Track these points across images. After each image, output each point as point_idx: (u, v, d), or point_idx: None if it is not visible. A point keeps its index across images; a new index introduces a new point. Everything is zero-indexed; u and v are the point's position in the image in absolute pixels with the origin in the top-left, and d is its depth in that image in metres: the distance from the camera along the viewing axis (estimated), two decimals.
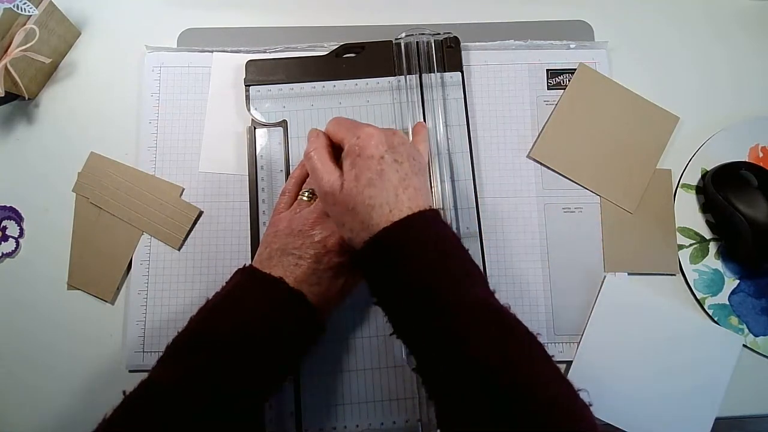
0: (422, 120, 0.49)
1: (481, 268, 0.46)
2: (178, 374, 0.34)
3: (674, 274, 0.48)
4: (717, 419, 0.45)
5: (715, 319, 0.47)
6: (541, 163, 0.50)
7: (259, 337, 0.35)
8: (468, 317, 0.31)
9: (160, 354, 0.36)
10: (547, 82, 0.51)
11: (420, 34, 0.50)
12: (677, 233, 0.49)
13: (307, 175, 0.44)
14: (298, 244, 0.39)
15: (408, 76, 0.50)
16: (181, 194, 0.49)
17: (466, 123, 0.49)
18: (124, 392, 0.34)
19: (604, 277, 0.48)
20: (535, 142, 0.50)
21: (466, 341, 0.30)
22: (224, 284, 0.39)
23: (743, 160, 0.50)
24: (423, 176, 0.37)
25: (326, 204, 0.37)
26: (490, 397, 0.28)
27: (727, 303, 0.48)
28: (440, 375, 0.31)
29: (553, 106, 0.51)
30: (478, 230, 0.47)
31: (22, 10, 0.45)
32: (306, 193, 0.42)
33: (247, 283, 0.38)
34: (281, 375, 0.37)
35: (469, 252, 0.35)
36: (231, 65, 0.51)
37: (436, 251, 0.33)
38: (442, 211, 0.35)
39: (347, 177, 0.35)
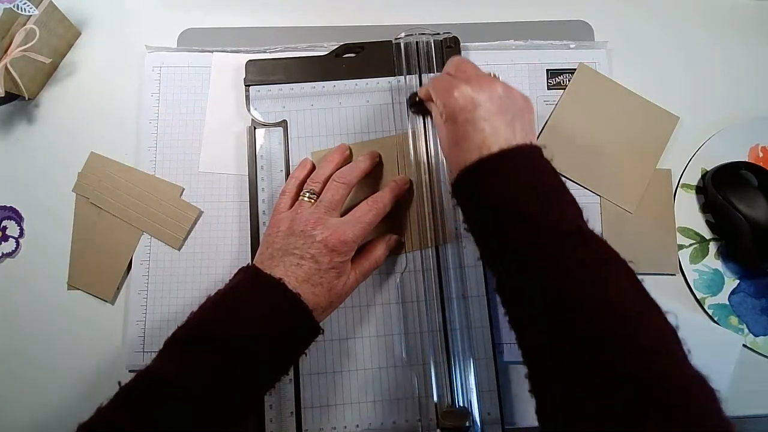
0: (423, 121, 0.49)
1: (481, 268, 0.46)
2: (176, 368, 0.34)
3: (674, 274, 0.48)
4: None
5: (715, 319, 0.47)
6: None
7: (256, 337, 0.35)
8: (566, 239, 0.32)
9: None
10: (547, 82, 0.51)
11: (420, 33, 0.50)
12: (677, 233, 0.49)
13: (308, 176, 0.44)
14: (299, 245, 0.39)
15: (408, 76, 0.50)
16: (181, 194, 0.49)
17: None
18: (119, 383, 0.34)
19: None
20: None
21: (564, 257, 0.31)
22: (227, 282, 0.39)
23: (743, 160, 0.50)
24: (528, 115, 0.38)
25: (451, 119, 0.37)
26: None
27: (727, 303, 0.48)
28: (540, 308, 0.31)
29: (553, 106, 0.51)
30: None
31: (22, 10, 0.45)
32: (307, 194, 0.42)
33: (248, 284, 0.38)
34: (277, 374, 0.38)
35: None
36: (231, 65, 0.51)
37: (535, 181, 0.34)
38: (544, 149, 0.37)
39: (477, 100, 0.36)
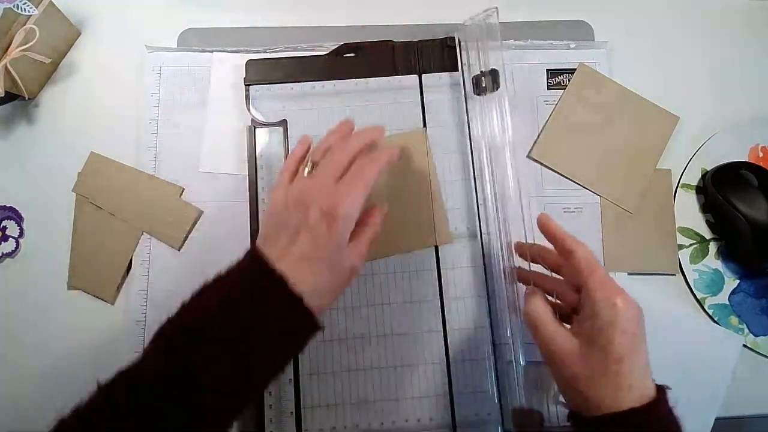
0: (423, 121, 0.49)
1: (482, 268, 0.46)
2: (158, 365, 0.32)
3: (674, 274, 0.48)
4: (717, 419, 0.45)
5: (715, 319, 0.47)
6: (541, 163, 0.50)
7: (249, 333, 0.33)
8: None
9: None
10: (547, 82, 0.51)
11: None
12: (677, 233, 0.49)
13: (306, 153, 0.40)
14: (294, 218, 0.35)
15: (408, 76, 0.50)
16: (181, 194, 0.49)
17: (466, 123, 0.49)
18: (98, 381, 0.32)
19: None
20: (535, 142, 0.50)
21: None
22: (230, 265, 0.36)
23: (743, 160, 0.50)
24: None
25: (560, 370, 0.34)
26: None
27: (727, 303, 0.48)
28: None
29: (553, 106, 0.51)
30: (478, 230, 0.47)
31: (22, 10, 0.45)
32: (306, 167, 0.38)
33: (247, 275, 0.35)
34: (273, 373, 0.35)
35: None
36: (231, 65, 0.51)
37: None
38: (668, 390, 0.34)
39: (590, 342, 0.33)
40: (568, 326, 0.36)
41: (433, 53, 0.51)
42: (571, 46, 0.52)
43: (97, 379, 0.32)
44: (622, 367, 0.32)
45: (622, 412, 0.31)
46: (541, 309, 0.36)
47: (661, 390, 0.33)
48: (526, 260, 0.41)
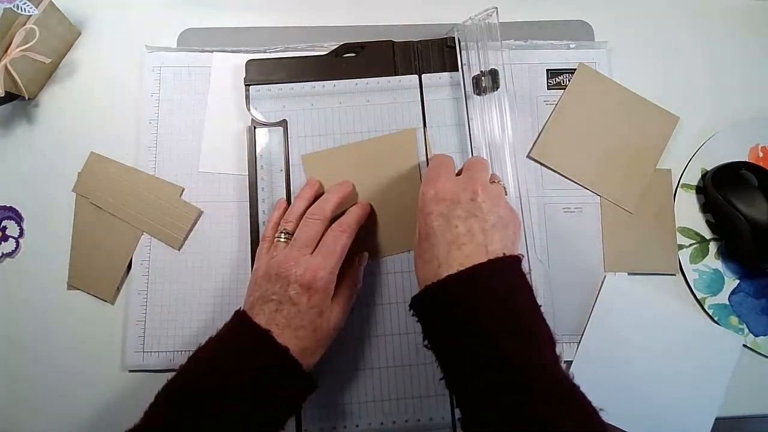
0: (423, 121, 0.49)
1: None
2: (158, 424, 0.33)
3: (674, 274, 0.48)
4: (717, 419, 0.45)
5: (715, 319, 0.47)
6: (541, 163, 0.50)
7: (244, 392, 0.34)
8: (533, 386, 0.30)
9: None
10: (547, 82, 0.51)
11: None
12: (677, 233, 0.49)
13: (282, 217, 0.44)
14: (276, 289, 0.38)
15: (408, 76, 0.50)
16: (181, 194, 0.49)
17: (467, 123, 0.49)
18: None
19: (604, 277, 0.48)
20: (535, 142, 0.50)
21: (527, 409, 0.29)
22: (220, 329, 0.39)
23: (743, 160, 0.50)
24: (504, 228, 0.36)
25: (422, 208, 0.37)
26: None
27: (727, 303, 0.48)
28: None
29: (553, 106, 0.51)
30: None
31: (22, 10, 0.45)
32: (282, 235, 0.42)
33: (236, 333, 0.38)
34: (271, 428, 0.36)
35: None
36: (231, 65, 0.51)
37: (505, 307, 0.33)
38: (523, 256, 0.35)
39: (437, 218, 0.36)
40: None
41: (433, 53, 0.51)
42: (571, 46, 0.52)
43: None
44: (426, 244, 0.36)
45: (432, 283, 0.34)
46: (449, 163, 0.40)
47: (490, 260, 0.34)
48: None
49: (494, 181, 0.39)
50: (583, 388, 0.31)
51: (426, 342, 0.35)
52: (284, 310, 0.37)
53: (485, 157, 0.47)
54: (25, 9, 0.45)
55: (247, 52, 0.51)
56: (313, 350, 0.38)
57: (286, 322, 0.37)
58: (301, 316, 0.37)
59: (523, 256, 0.36)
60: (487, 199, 0.36)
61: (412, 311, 0.36)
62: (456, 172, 0.40)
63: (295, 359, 0.36)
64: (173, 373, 0.36)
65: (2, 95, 0.46)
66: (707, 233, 0.49)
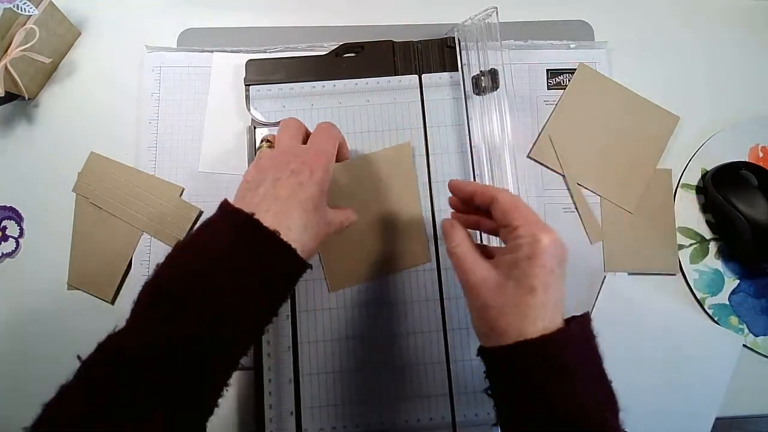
0: (423, 121, 0.49)
1: None
2: (137, 335, 0.31)
3: (674, 274, 0.48)
4: (717, 419, 0.45)
5: (715, 319, 0.47)
6: (541, 163, 0.50)
7: (227, 282, 0.31)
8: None
9: None
10: (547, 82, 0.51)
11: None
12: (677, 233, 0.49)
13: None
14: (272, 174, 0.35)
15: (408, 76, 0.50)
16: (181, 194, 0.49)
17: (466, 123, 0.49)
18: (78, 357, 0.32)
19: (604, 277, 0.48)
20: (535, 142, 0.50)
21: None
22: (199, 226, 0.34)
23: (743, 160, 0.50)
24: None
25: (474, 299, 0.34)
26: None
27: (727, 303, 0.48)
28: None
29: (553, 106, 0.51)
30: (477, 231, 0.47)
31: (22, 10, 0.45)
32: (264, 144, 0.39)
33: (218, 223, 0.33)
34: (257, 324, 0.33)
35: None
36: (231, 65, 0.51)
37: (586, 372, 0.31)
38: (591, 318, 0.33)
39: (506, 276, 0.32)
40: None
41: (433, 53, 0.51)
42: (571, 46, 0.52)
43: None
44: (533, 300, 0.31)
45: (525, 340, 0.31)
46: (460, 240, 0.35)
47: (571, 320, 0.32)
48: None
49: None
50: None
51: (490, 391, 0.33)
52: (284, 183, 0.34)
53: (485, 158, 0.47)
54: (25, 9, 0.45)
55: (247, 52, 0.51)
56: (313, 230, 0.35)
57: (288, 194, 0.34)
58: (304, 188, 0.34)
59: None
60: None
61: (479, 356, 0.34)
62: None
63: (287, 243, 0.32)
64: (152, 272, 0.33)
65: (2, 95, 0.46)
66: (707, 233, 0.49)
